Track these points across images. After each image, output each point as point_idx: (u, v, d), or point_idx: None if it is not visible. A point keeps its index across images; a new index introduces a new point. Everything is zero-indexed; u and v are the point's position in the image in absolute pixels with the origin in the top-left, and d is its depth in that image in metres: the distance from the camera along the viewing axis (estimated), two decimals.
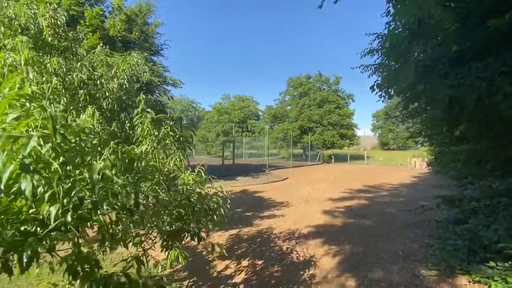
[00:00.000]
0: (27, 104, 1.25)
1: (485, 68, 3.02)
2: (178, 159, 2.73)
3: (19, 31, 3.24)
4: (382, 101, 5.93)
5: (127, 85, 3.78)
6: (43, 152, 1.13)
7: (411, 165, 22.43)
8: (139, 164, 1.88)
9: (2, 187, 1.00)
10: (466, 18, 3.34)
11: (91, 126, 1.96)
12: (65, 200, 1.11)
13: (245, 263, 3.79)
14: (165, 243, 2.29)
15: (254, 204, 7.48)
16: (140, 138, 2.46)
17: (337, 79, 30.76)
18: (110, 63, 3.94)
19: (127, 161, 1.60)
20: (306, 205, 7.37)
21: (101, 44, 4.45)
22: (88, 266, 1.30)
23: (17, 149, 1.06)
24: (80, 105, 3.12)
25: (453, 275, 3.31)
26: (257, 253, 4.17)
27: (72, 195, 1.15)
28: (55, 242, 1.30)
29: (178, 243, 2.33)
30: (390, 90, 5.69)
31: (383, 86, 5.59)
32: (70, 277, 1.28)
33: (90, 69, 3.38)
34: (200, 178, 2.61)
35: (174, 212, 2.29)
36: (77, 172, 1.26)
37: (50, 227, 1.13)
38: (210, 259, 3.89)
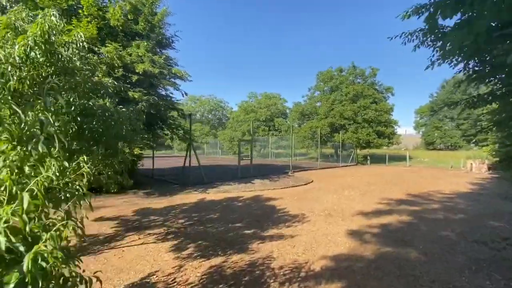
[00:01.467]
0: None
1: None
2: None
3: None
4: (459, 72, 4.26)
5: (38, 57, 2.62)
6: None
7: (466, 168, 18.95)
8: None
9: None
10: None
11: None
12: None
13: None
14: None
15: (260, 216, 6.04)
16: None
17: (373, 71, 27.72)
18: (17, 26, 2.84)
19: None
20: (327, 221, 5.72)
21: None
22: None
23: None
24: None
25: None
26: None
27: None
28: None
29: None
30: (457, 59, 3.91)
31: (449, 54, 3.84)
32: None
33: None
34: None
35: None
36: None
37: None
38: None
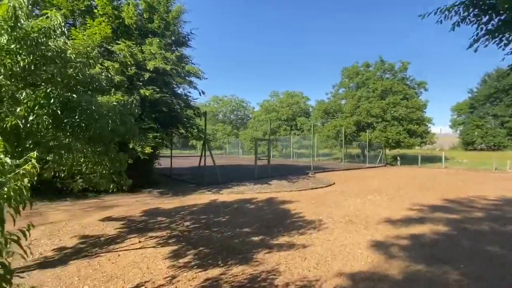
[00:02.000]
0: None
1: None
2: None
3: None
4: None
5: (4, 42, 2.36)
6: None
7: None
8: None
9: None
10: None
11: None
12: None
13: None
14: None
15: (272, 221, 5.53)
16: None
17: (404, 65, 25.79)
18: None
19: None
20: (347, 229, 5.06)
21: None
22: None
23: None
24: None
25: None
26: None
27: None
28: None
29: None
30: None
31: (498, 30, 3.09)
32: None
33: None
34: None
35: None
36: None
37: None
38: None
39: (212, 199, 7.85)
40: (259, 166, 14.03)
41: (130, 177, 8.95)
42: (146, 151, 7.40)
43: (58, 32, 2.81)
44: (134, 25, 8.59)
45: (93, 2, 8.38)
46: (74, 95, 2.95)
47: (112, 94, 7.62)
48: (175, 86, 8.63)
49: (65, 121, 2.84)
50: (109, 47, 7.47)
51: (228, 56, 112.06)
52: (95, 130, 2.97)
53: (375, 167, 21.10)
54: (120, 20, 8.50)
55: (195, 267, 3.48)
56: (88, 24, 7.68)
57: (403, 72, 26.20)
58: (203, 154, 10.16)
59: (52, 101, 2.71)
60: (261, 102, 38.24)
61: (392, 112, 23.41)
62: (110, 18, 8.16)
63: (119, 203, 7.36)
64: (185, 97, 10.28)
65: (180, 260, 3.69)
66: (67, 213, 6.28)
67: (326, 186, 10.27)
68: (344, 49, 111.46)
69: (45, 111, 2.68)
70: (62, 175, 3.46)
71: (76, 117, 2.91)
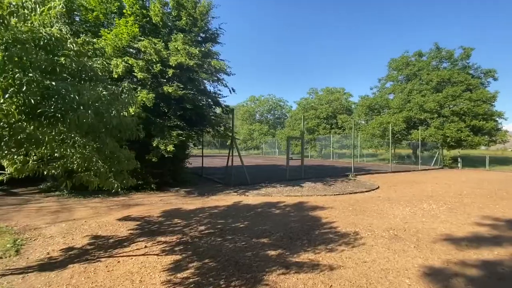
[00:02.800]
0: None
1: None
2: None
3: None
4: None
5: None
6: None
7: None
8: None
9: None
10: None
11: None
12: None
13: None
14: None
15: (296, 230, 4.72)
16: None
17: (466, 52, 22.17)
18: None
19: None
20: (391, 248, 4.00)
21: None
22: None
23: None
24: None
25: None
26: None
27: None
28: None
29: None
30: None
31: None
32: None
33: None
34: None
35: None
36: None
37: None
38: None
39: (236, 201, 7.30)
40: (291, 167, 13.17)
41: (158, 176, 8.97)
42: (169, 149, 7.17)
43: (29, 9, 2.48)
44: (161, 23, 8.51)
45: (124, 4, 8.51)
46: (53, 83, 2.60)
47: (138, 92, 7.61)
48: (201, 82, 8.31)
49: (38, 111, 2.49)
50: (135, 45, 7.43)
51: (267, 55, 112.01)
52: (72, 121, 2.58)
53: (430, 169, 18.42)
54: (148, 19, 8.50)
55: (192, 285, 2.91)
56: (116, 24, 7.79)
57: (464, 60, 22.57)
58: (230, 154, 9.72)
59: (24, 88, 2.37)
60: (299, 100, 36.89)
61: (451, 106, 20.26)
62: (137, 17, 8.18)
63: (143, 201, 7.27)
64: (213, 95, 9.98)
65: (179, 275, 3.15)
66: (92, 210, 6.32)
67: (368, 191, 8.97)
68: (391, 40, 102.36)
69: (16, 99, 2.35)
70: (55, 172, 3.18)
71: (53, 106, 2.55)
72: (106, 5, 8.42)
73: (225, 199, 7.60)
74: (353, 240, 4.28)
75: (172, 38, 8.15)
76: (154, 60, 7.62)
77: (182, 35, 7.85)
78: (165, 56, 7.71)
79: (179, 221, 5.37)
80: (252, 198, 7.68)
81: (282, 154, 36.40)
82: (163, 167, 9.16)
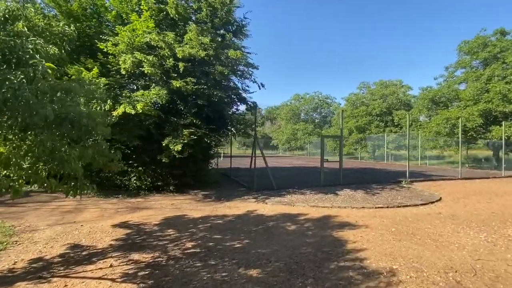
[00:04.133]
0: None
1: None
2: None
3: None
4: None
5: None
6: None
7: None
8: None
9: None
10: None
11: None
12: None
13: None
14: None
15: (306, 260, 3.47)
16: None
17: None
18: None
19: None
20: None
21: None
22: None
23: None
24: None
25: None
26: None
27: None
28: None
29: None
30: None
31: None
32: None
33: None
34: None
35: None
36: None
37: None
38: None
39: (250, 209, 6.28)
40: (332, 170, 11.55)
41: (178, 177, 8.54)
42: (176, 149, 6.56)
43: None
44: (178, 16, 8.03)
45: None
46: None
47: (151, 88, 7.22)
48: (216, 76, 7.51)
49: None
50: (145, 39, 7.05)
51: (315, 52, 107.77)
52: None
53: None
54: (164, 13, 8.11)
55: None
56: (131, 20, 7.55)
57: None
58: (253, 155, 8.75)
59: None
60: (347, 96, 33.77)
61: None
62: (153, 12, 7.84)
63: (154, 205, 6.81)
64: (236, 90, 9.16)
65: None
66: (99, 213, 6.08)
67: (424, 204, 6.96)
68: (462, 20, 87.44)
69: None
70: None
71: None
72: (124, 4, 8.30)
73: (239, 206, 6.65)
74: (385, 286, 2.85)
75: (187, 30, 7.56)
76: (167, 55, 7.13)
77: (195, 26, 7.18)
78: (186, 51, 7.15)
79: (172, 233, 4.62)
80: (270, 207, 6.56)
81: (329, 155, 33.86)
82: (183, 168, 8.71)
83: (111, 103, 4.67)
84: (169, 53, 7.09)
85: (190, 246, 3.99)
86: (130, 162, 8.38)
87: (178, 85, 6.68)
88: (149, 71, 6.62)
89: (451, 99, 20.57)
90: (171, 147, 6.67)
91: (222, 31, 8.99)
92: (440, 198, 7.67)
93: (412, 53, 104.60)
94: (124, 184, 8.61)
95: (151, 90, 6.93)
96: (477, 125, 17.22)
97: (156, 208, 6.48)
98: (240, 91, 9.66)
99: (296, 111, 44.30)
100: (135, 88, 7.80)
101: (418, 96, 24.83)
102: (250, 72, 9.69)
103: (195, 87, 7.06)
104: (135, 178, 8.48)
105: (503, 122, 15.73)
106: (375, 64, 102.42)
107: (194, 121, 7.54)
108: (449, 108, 20.47)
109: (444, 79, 22.51)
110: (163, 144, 6.85)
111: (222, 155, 21.29)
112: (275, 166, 19.30)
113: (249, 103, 9.64)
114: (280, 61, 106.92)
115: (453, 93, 20.28)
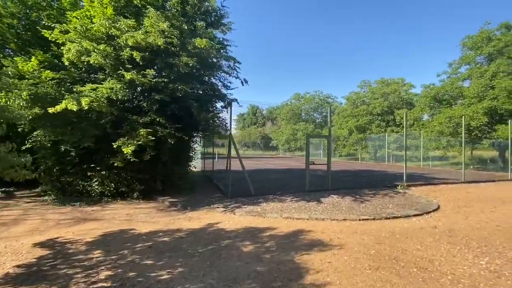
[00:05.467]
0: None
1: None
2: None
3: None
4: None
5: None
6: None
7: None
8: None
9: None
10: None
11: None
12: None
13: None
14: None
15: None
16: None
17: None
18: None
19: None
20: None
21: None
22: None
23: None
24: None
25: None
26: None
27: None
28: None
29: None
30: None
31: None
32: None
33: None
34: None
35: None
36: None
37: None
38: None
39: (211, 222, 5.38)
40: (324, 172, 10.58)
41: (144, 182, 7.61)
42: (127, 151, 5.70)
43: None
44: (142, 2, 7.17)
45: None
46: None
47: (107, 82, 6.37)
48: (183, 69, 6.58)
49: None
50: (91, 26, 6.19)
51: (316, 51, 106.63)
52: None
53: None
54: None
55: None
56: (86, 7, 6.72)
57: None
58: (229, 156, 7.86)
59: None
60: (348, 95, 32.68)
61: None
62: None
63: (106, 216, 5.95)
64: (209, 85, 8.29)
65: None
66: (36, 225, 5.24)
67: (418, 215, 5.97)
68: (465, 15, 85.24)
69: None
70: None
71: None
72: None
73: (202, 218, 5.75)
74: None
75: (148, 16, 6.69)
76: (123, 44, 6.27)
77: (154, 11, 6.31)
78: (137, 38, 6.29)
79: (96, 255, 3.74)
80: (237, 218, 5.65)
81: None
82: (152, 172, 7.86)
83: (27, 97, 3.79)
84: (125, 42, 6.23)
85: (103, 277, 3.11)
86: (92, 165, 7.58)
87: (130, 77, 5.82)
88: (96, 62, 5.77)
89: (454, 97, 19.44)
90: (123, 149, 5.79)
91: (200, 22, 8.11)
92: (438, 207, 6.67)
93: (415, 50, 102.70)
94: (87, 190, 7.79)
95: (103, 84, 6.08)
96: (481, 124, 16.09)
97: (105, 220, 5.62)
98: (217, 87, 8.80)
99: (296, 111, 43.26)
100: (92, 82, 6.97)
101: (420, 94, 23.66)
102: (233, 67, 8.86)
103: (154, 80, 6.20)
104: (97, 183, 7.64)
105: (509, 120, 14.59)
106: (377, 62, 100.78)
107: (158, 119, 6.68)
108: (453, 106, 19.34)
109: (448, 76, 21.38)
110: (114, 146, 5.98)
111: (216, 156, 20.45)
112: (269, 168, 18.41)
113: (229, 100, 8.77)
114: (281, 60, 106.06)
115: (456, 91, 19.14)
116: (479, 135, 17.06)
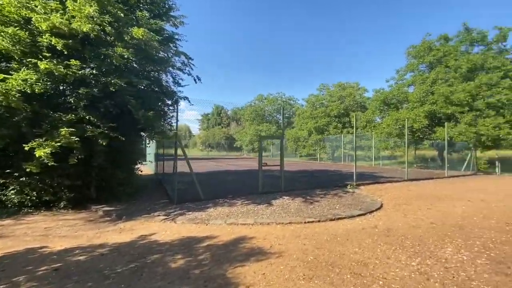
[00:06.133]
0: None
1: None
2: None
3: None
4: None
5: None
6: None
7: None
8: None
9: None
10: None
11: None
12: None
13: None
14: None
15: None
16: None
17: (502, 32, 18.18)
18: None
19: None
20: None
21: None
22: None
23: None
24: None
25: None
26: None
27: None
28: None
29: None
30: None
31: None
32: None
33: None
34: None
35: None
36: None
37: None
38: None
39: (145, 233, 4.80)
40: (271, 174, 10.51)
41: (74, 189, 6.49)
42: (38, 154, 4.84)
43: None
44: None
45: None
46: None
47: (21, 72, 5.36)
48: (117, 61, 5.81)
49: None
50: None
51: (278, 52, 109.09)
52: None
53: (460, 176, 14.80)
54: None
55: None
56: None
57: (501, 42, 18.53)
58: (175, 157, 7.27)
59: None
60: (307, 97, 33.74)
61: (486, 97, 16.42)
62: None
63: (16, 231, 4.99)
64: (154, 80, 7.63)
65: None
66: None
67: (362, 214, 6.09)
68: (412, 25, 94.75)
69: None
70: None
71: None
72: None
73: (136, 228, 5.13)
74: None
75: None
76: (41, 28, 5.34)
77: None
78: (54, 21, 5.39)
79: None
80: (177, 227, 5.14)
81: (288, 156, 33.47)
82: (85, 177, 6.92)
83: None
84: (41, 26, 5.31)
85: None
86: (8, 171, 6.40)
87: (45, 67, 4.95)
88: (1, 47, 4.80)
89: (401, 101, 21.10)
90: (36, 152, 4.90)
91: (143, 12, 7.36)
92: (381, 206, 6.92)
93: (371, 56, 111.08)
94: (1, 200, 6.57)
95: (13, 75, 5.10)
96: (423, 126, 17.66)
97: (13, 237, 4.69)
98: (165, 83, 8.16)
99: (260, 112, 43.48)
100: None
101: (372, 98, 25.30)
102: (187, 63, 8.31)
103: (80, 72, 5.38)
104: (14, 192, 6.48)
105: (445, 123, 16.24)
106: (337, 66, 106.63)
107: (88, 117, 5.84)
108: (399, 109, 20.96)
109: (395, 82, 23.18)
110: (26, 148, 5.04)
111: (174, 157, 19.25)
112: (230, 169, 17.95)
113: (177, 98, 8.17)
114: (245, 61, 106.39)
115: (402, 95, 20.80)
116: (421, 136, 18.72)
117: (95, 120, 5.90)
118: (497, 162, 16.81)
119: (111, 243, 4.33)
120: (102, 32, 5.91)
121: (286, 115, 44.71)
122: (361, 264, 3.47)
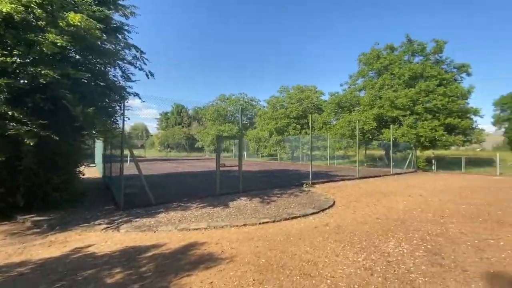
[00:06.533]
0: None
1: None
2: None
3: None
4: None
5: None
6: None
7: None
8: None
9: None
10: None
11: None
12: None
13: None
14: None
15: None
16: None
17: (439, 45, 20.64)
18: None
19: None
20: None
21: None
22: None
23: None
24: None
25: None
26: None
27: None
28: None
29: None
30: None
31: None
32: None
33: None
34: None
35: None
36: None
37: None
38: None
39: (80, 246, 4.24)
40: (232, 175, 10.35)
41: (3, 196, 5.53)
42: None
43: None
44: None
45: None
46: None
47: None
48: (48, 49, 5.03)
49: None
50: None
51: (239, 52, 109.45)
52: None
53: (402, 173, 16.37)
54: None
55: None
56: None
57: (438, 53, 21.03)
58: (122, 158, 6.64)
59: None
60: (268, 99, 34.30)
61: (424, 102, 18.44)
62: None
63: None
64: (101, 74, 6.88)
65: None
66: None
67: (315, 213, 6.25)
68: (365, 34, 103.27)
69: None
70: None
71: None
72: None
73: (70, 241, 4.51)
74: None
75: None
76: None
77: None
78: None
79: None
80: (120, 237, 4.65)
81: (251, 156, 33.64)
82: (10, 183, 5.92)
83: None
84: None
85: None
86: None
87: None
88: None
89: (353, 104, 22.62)
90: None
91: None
92: (334, 203, 7.22)
93: (330, 59, 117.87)
94: None
95: None
96: (372, 127, 19.15)
97: None
98: (111, 77, 7.42)
99: (222, 112, 42.92)
100: None
101: (327, 101, 26.67)
102: (138, 57, 7.65)
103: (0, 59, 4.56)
104: None
105: (391, 125, 17.82)
106: (298, 68, 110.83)
107: (10, 112, 4.98)
108: (352, 112, 22.44)
109: (348, 86, 24.77)
110: None
111: (128, 159, 17.79)
112: (189, 171, 17.23)
113: (124, 94, 7.49)
114: (208, 60, 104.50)
115: (355, 99, 22.33)
116: (370, 137, 20.27)
117: (21, 116, 5.06)
118: (433, 161, 19.00)
119: (35, 260, 3.71)
120: (31, 15, 5.10)
121: (248, 116, 44.93)
122: (311, 263, 3.49)
